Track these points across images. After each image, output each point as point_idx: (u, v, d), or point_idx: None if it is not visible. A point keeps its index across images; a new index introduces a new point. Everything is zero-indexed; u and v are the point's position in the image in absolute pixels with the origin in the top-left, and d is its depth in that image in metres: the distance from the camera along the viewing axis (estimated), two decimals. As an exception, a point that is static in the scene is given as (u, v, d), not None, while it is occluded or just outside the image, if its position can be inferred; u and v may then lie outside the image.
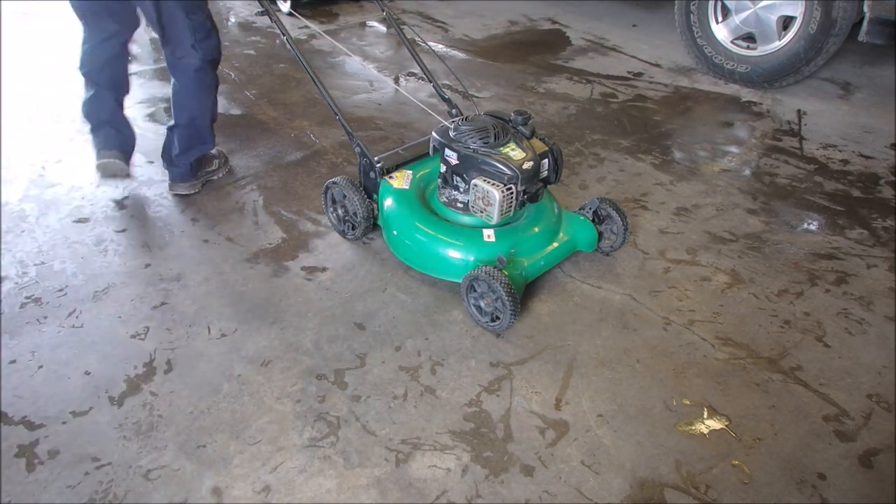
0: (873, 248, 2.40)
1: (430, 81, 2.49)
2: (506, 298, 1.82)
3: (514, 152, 1.95)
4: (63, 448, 1.58)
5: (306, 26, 4.57)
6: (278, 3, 4.80)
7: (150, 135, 2.99)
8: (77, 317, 1.98)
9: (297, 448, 1.60)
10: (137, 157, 2.70)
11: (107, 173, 2.51)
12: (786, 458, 1.60)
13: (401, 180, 2.19)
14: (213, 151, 2.69)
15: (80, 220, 2.42)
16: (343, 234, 2.37)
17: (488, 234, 2.03)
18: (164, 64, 2.44)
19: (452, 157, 2.01)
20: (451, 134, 2.04)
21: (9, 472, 1.52)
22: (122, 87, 2.49)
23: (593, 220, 2.21)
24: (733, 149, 3.13)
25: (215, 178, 2.70)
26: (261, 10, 2.30)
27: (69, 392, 1.73)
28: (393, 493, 1.50)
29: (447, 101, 2.45)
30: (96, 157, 2.48)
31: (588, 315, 2.05)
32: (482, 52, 4.27)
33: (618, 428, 1.67)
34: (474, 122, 2.02)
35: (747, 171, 2.91)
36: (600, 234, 2.22)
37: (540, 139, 2.06)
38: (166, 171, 2.61)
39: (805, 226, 2.53)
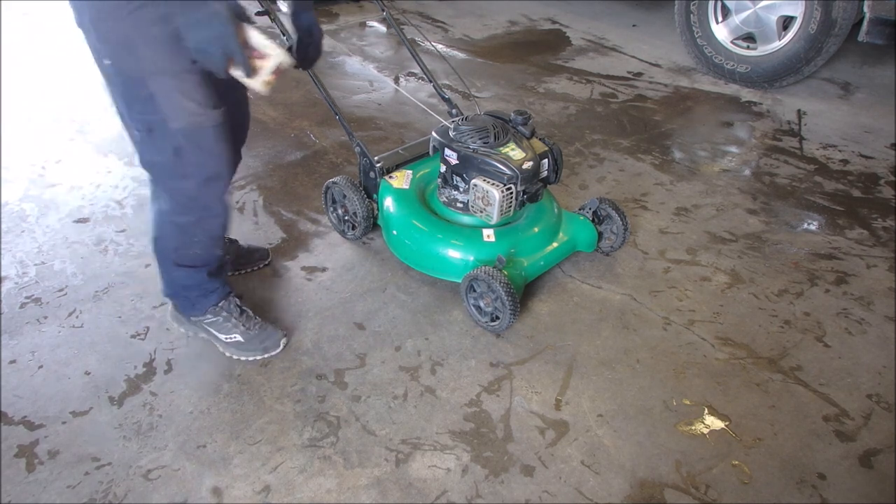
0: (873, 248, 2.40)
1: (430, 81, 2.49)
2: (505, 298, 1.82)
3: (514, 152, 1.95)
4: (63, 448, 1.58)
5: (306, 26, 4.57)
6: (278, 3, 4.80)
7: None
8: (77, 317, 1.98)
9: (297, 448, 1.60)
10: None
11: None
12: (786, 458, 1.60)
13: (401, 180, 2.19)
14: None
15: (80, 220, 2.42)
16: (343, 233, 2.37)
17: (488, 234, 2.03)
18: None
19: (452, 157, 2.01)
20: (451, 134, 2.04)
21: (9, 472, 1.52)
22: None
23: (593, 220, 2.21)
24: (733, 149, 3.13)
25: None
26: (261, 9, 2.28)
27: (69, 392, 1.73)
28: (393, 493, 1.50)
29: (447, 100, 2.44)
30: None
31: (588, 315, 2.05)
32: (482, 52, 4.27)
33: (618, 428, 1.67)
34: (474, 122, 2.02)
35: (747, 171, 2.91)
36: (600, 234, 2.22)
37: (540, 139, 2.06)
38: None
39: (805, 226, 2.53)
